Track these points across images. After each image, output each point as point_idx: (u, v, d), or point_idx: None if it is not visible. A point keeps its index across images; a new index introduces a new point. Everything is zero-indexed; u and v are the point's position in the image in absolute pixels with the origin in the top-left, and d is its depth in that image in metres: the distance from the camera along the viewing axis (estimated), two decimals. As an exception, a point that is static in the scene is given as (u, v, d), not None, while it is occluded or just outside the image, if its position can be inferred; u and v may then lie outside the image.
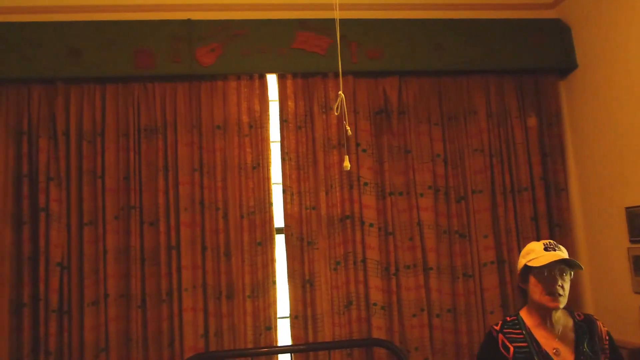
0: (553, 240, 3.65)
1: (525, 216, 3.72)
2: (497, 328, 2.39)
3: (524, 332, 2.34)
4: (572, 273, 2.36)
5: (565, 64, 3.86)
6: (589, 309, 3.67)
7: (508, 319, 2.43)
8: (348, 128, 2.56)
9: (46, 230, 3.30)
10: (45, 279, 3.26)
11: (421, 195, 3.67)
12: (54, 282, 3.26)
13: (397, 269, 3.60)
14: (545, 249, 2.34)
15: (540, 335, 2.33)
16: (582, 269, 2.34)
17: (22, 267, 3.27)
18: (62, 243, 3.32)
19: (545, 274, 2.29)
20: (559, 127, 3.87)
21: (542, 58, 3.84)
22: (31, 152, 3.38)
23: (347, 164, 2.51)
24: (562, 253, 2.33)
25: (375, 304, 3.53)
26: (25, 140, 3.37)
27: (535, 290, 2.31)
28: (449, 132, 3.77)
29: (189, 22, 3.56)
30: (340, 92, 2.48)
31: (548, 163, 3.82)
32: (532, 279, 2.34)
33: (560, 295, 2.28)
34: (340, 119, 3.56)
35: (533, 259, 2.32)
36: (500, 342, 2.35)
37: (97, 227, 3.37)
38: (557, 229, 3.73)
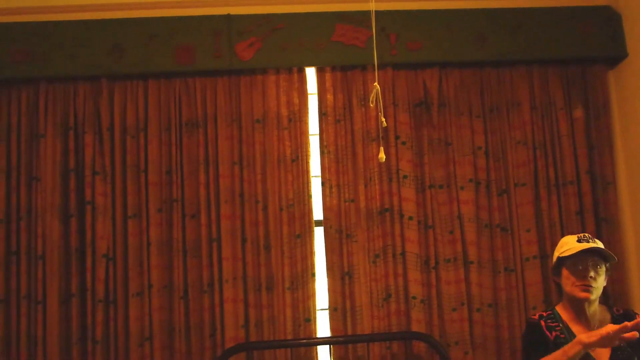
0: (600, 235, 3.58)
1: (570, 210, 3.62)
2: (536, 317, 2.39)
3: (561, 325, 2.33)
4: (609, 267, 2.33)
5: (615, 53, 3.72)
6: (637, 306, 3.56)
7: (544, 314, 2.41)
8: (383, 119, 2.54)
9: (92, 223, 3.41)
10: (92, 270, 3.38)
11: (462, 188, 3.62)
12: (100, 273, 3.37)
13: (436, 262, 3.57)
14: (579, 241, 2.32)
15: (576, 330, 2.31)
16: (615, 260, 2.31)
17: (70, 258, 3.40)
18: (107, 235, 3.42)
19: (577, 265, 2.28)
20: (607, 118, 3.74)
21: (590, 47, 3.71)
22: (77, 147, 3.49)
23: (382, 155, 2.49)
24: (596, 244, 2.29)
25: (414, 297, 3.51)
26: (72, 136, 3.48)
27: (567, 282, 2.32)
28: (491, 124, 3.70)
29: (228, 17, 3.59)
30: (375, 84, 2.46)
31: (595, 156, 3.70)
32: (564, 271, 2.33)
33: (591, 286, 2.25)
34: (378, 111, 3.55)
35: (566, 250, 2.31)
36: (543, 325, 2.34)
37: (140, 220, 3.46)
38: (603, 223, 3.62)
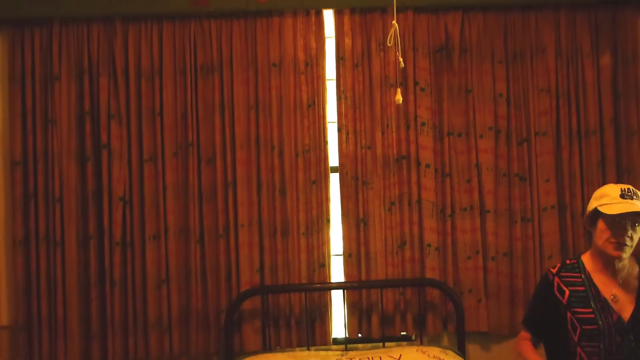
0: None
1: (591, 161, 3.55)
2: (554, 271, 2.33)
3: (583, 276, 2.27)
4: None
5: (647, -4, 3.56)
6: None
7: (568, 262, 2.34)
8: (401, 59, 2.46)
9: (108, 167, 3.42)
10: (109, 213, 3.41)
11: (481, 136, 3.55)
12: (117, 216, 3.40)
13: (452, 211, 3.55)
14: (622, 196, 2.17)
15: (600, 280, 2.24)
16: None
17: (87, 201, 3.42)
18: (123, 179, 3.43)
19: (616, 221, 2.16)
20: (636, 66, 3.59)
21: (620, -11, 3.55)
22: (92, 90, 3.46)
23: (399, 97, 2.43)
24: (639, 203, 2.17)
25: (429, 245, 3.51)
26: (87, 79, 3.44)
27: (602, 236, 2.19)
28: (514, 71, 3.59)
29: (244, -44, 3.47)
30: (394, 22, 2.36)
31: (620, 105, 3.58)
32: (600, 224, 2.20)
33: (626, 245, 2.17)
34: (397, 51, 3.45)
35: (605, 204, 2.18)
36: (555, 285, 2.29)
37: (156, 164, 3.46)
38: (625, 174, 3.54)
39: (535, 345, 2.39)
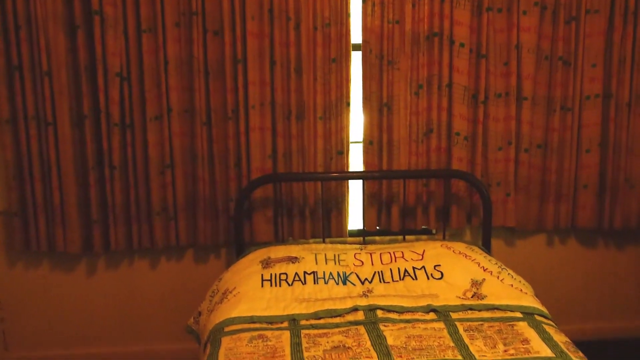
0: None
1: (646, 44, 3.18)
2: None
3: None
4: None
5: None
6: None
7: None
8: None
9: (102, 37, 3.00)
10: (105, 90, 3.05)
11: (524, 13, 3.14)
12: (114, 93, 3.05)
13: (486, 97, 3.22)
14: None
15: None
16: None
17: (80, 76, 3.05)
18: (119, 51, 3.04)
19: None
20: None
21: None
22: (79, -57, 2.97)
23: None
24: None
25: (458, 134, 3.22)
26: None
27: None
28: (567, -62, 3.11)
29: None
30: None
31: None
32: None
33: None
34: None
35: None
36: None
37: (156, 35, 3.05)
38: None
39: None
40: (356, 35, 3.20)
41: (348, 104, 3.21)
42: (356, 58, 3.22)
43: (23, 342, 3.35)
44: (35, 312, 3.33)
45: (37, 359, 3.35)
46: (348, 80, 3.19)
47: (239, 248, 3.14)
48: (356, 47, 3.22)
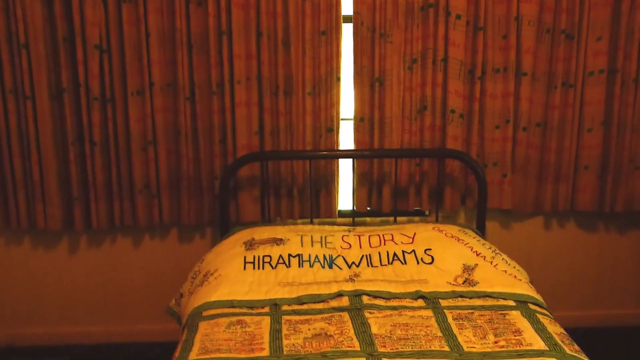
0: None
1: (656, 14, 3.00)
2: None
3: None
4: None
5: None
6: None
7: None
8: None
9: (80, 7, 2.87)
10: (84, 63, 2.93)
11: (526, -18, 2.98)
12: (93, 66, 2.93)
13: (483, 72, 3.07)
14: None
15: None
16: None
17: (58, 48, 2.92)
18: (99, 22, 2.90)
19: None
20: None
21: None
22: None
23: None
24: None
25: (453, 111, 3.08)
26: None
27: None
28: None
29: None
30: None
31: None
32: None
33: None
34: None
35: None
36: None
37: (137, 6, 2.91)
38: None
39: None
40: (347, 6, 3.05)
41: (338, 79, 3.07)
42: (347, 30, 3.08)
43: (4, 321, 3.30)
44: (16, 290, 3.27)
45: (18, 337, 3.31)
46: (338, 54, 3.04)
47: (224, 228, 3.04)
48: (347, 19, 3.07)
